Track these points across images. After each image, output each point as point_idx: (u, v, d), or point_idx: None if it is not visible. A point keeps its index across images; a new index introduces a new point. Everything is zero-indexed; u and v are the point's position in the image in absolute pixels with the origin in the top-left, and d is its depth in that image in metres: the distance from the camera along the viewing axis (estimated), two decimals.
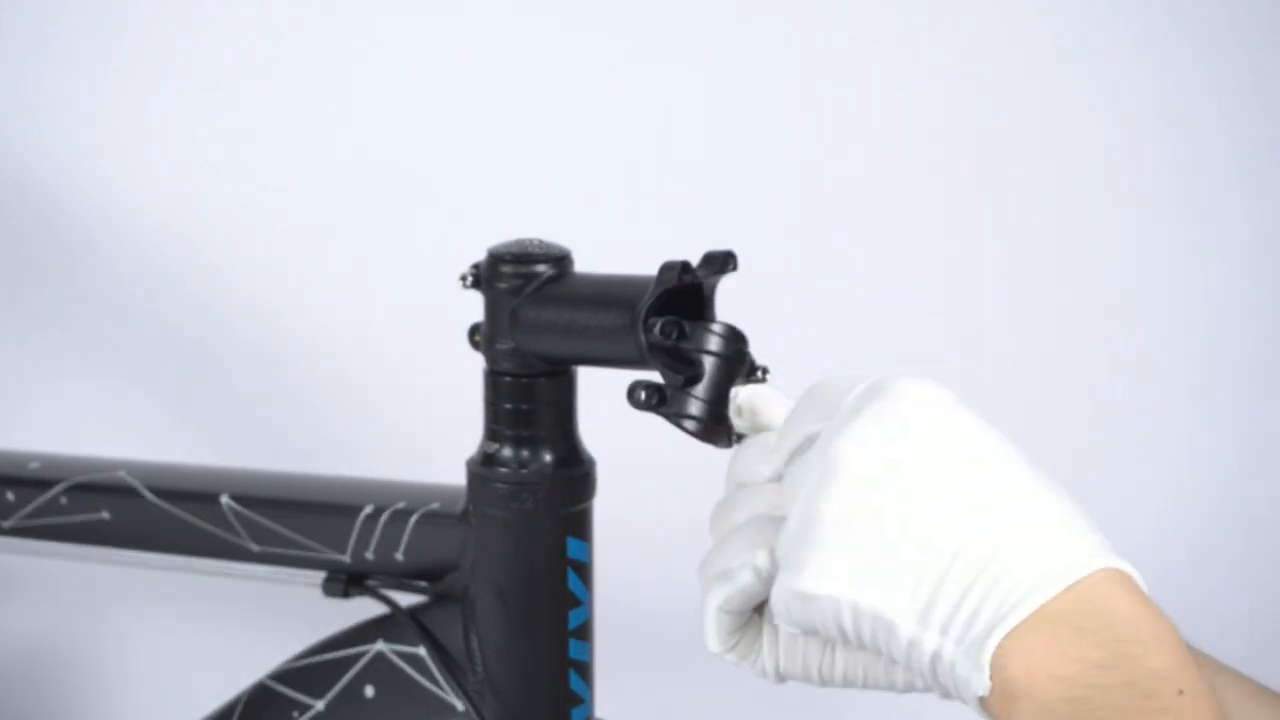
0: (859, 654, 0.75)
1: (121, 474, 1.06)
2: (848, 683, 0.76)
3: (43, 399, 1.50)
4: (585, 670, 0.94)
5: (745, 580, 0.73)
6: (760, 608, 0.76)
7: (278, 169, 1.45)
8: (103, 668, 1.55)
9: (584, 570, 0.93)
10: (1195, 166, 1.45)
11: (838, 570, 0.68)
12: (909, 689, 0.75)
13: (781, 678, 0.77)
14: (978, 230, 1.45)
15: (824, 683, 0.76)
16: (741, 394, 0.79)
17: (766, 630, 0.76)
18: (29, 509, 1.07)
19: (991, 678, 0.64)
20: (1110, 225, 1.45)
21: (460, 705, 0.96)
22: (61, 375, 1.49)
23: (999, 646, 0.64)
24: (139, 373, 1.49)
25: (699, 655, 1.55)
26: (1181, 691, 0.62)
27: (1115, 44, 1.43)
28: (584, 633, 0.94)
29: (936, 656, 0.66)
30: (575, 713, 0.94)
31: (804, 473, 0.72)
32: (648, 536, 1.38)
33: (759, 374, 0.82)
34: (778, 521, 0.73)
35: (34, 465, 1.09)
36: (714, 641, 0.75)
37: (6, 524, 1.08)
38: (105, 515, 1.05)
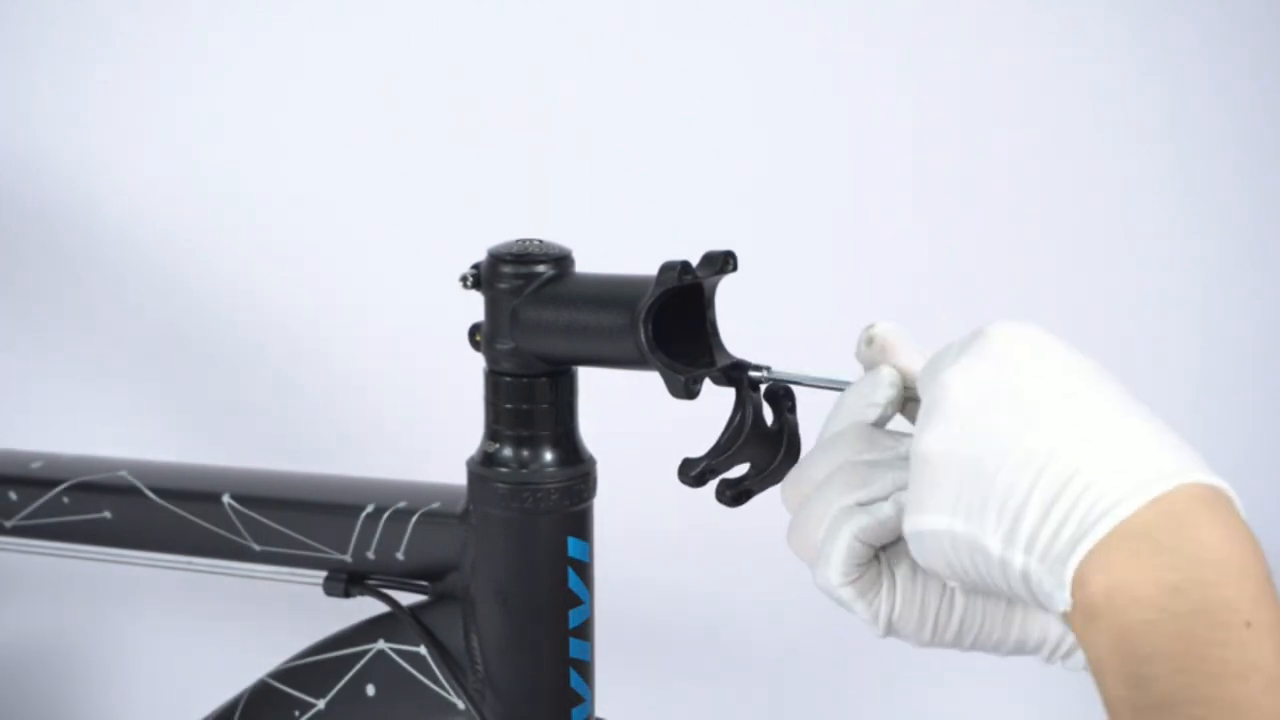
0: (977, 602, 0.75)
1: (123, 474, 1.06)
2: (959, 639, 0.76)
3: (44, 399, 1.50)
4: (585, 669, 0.94)
5: (886, 513, 0.74)
6: (881, 550, 0.76)
7: (278, 170, 1.45)
8: (104, 667, 1.55)
9: (584, 570, 0.93)
10: (1199, 170, 1.45)
11: (937, 504, 0.69)
12: (1018, 651, 0.75)
13: (892, 629, 0.76)
14: (979, 231, 1.45)
15: (934, 638, 0.76)
16: (879, 328, 0.79)
17: (886, 575, 0.76)
18: (31, 508, 1.07)
19: (1073, 595, 0.64)
20: (1112, 226, 1.46)
21: (461, 704, 0.96)
22: (63, 375, 1.50)
23: (1081, 562, 0.64)
24: (141, 373, 1.49)
25: (699, 655, 1.56)
26: (1249, 624, 0.62)
27: (1120, 46, 1.43)
28: (584, 632, 0.94)
29: (1025, 575, 0.66)
30: (575, 712, 0.94)
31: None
32: (648, 536, 1.38)
33: (763, 371, 0.83)
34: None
35: (36, 465, 1.09)
36: (838, 572, 0.74)
37: (9, 523, 1.08)
38: (107, 515, 1.06)
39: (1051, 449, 0.66)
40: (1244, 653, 0.61)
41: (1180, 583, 0.62)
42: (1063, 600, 0.65)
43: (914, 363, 0.77)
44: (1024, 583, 0.67)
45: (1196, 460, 0.66)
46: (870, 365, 0.79)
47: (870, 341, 0.78)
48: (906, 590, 0.75)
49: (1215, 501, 0.65)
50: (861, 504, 0.74)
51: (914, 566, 0.75)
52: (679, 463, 0.82)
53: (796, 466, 0.79)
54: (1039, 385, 0.68)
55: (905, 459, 0.74)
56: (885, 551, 0.76)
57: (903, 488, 0.74)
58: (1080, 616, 0.64)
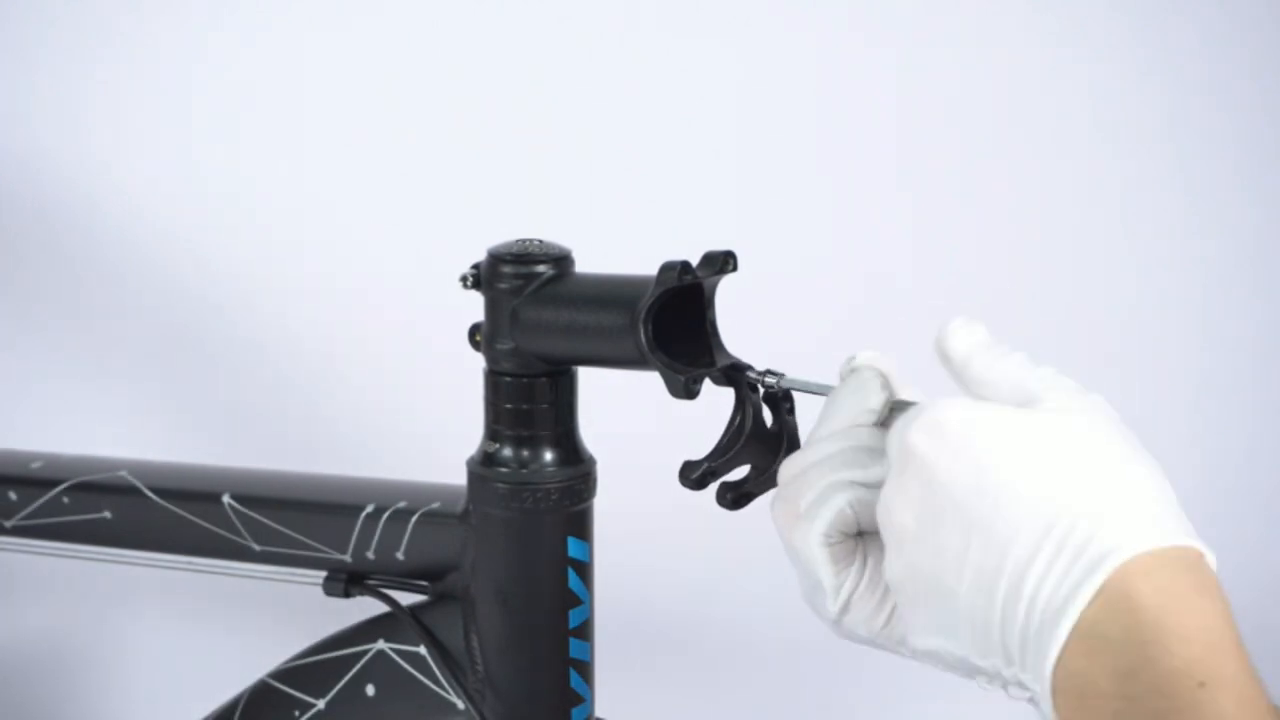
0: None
1: (123, 474, 1.06)
2: (902, 642, 0.77)
3: (44, 399, 1.50)
4: (585, 669, 0.94)
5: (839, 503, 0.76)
6: (860, 536, 0.77)
7: (278, 170, 1.45)
8: (104, 667, 1.55)
9: (584, 570, 0.93)
10: (1199, 170, 1.45)
11: (922, 627, 0.71)
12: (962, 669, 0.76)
13: (847, 609, 0.77)
14: (979, 231, 1.45)
15: (884, 628, 0.77)
16: (861, 358, 0.79)
17: (859, 557, 0.77)
18: (31, 508, 1.07)
19: (1054, 701, 0.66)
20: (1112, 226, 1.46)
21: (461, 704, 0.96)
22: (63, 375, 1.50)
23: (1053, 673, 0.65)
24: (140, 373, 1.49)
25: (699, 655, 1.56)
26: (1202, 684, 0.63)
27: (1120, 46, 1.43)
28: (584, 632, 0.94)
29: (1018, 682, 0.69)
30: (575, 712, 0.94)
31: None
32: (648, 536, 1.38)
33: (773, 378, 0.83)
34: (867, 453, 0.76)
35: (36, 465, 1.09)
36: (819, 531, 0.76)
37: (9, 523, 1.08)
38: (107, 515, 1.06)
39: (999, 559, 0.67)
40: (1198, 712, 0.62)
41: (1130, 666, 0.63)
42: (1048, 710, 0.66)
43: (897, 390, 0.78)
44: (1020, 688, 0.69)
45: (1135, 520, 0.66)
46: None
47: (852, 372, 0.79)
48: (874, 577, 0.76)
49: (1154, 568, 0.65)
50: (857, 483, 0.75)
51: (882, 560, 0.76)
52: (680, 466, 0.82)
53: (799, 450, 0.79)
54: (969, 498, 0.68)
55: None
56: (864, 539, 0.77)
57: None
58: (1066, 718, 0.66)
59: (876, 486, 0.75)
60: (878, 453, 0.75)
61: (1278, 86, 1.44)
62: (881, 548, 0.75)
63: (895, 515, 0.71)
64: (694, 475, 0.82)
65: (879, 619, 0.76)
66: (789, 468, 0.78)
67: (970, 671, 0.71)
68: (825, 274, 1.44)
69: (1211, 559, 0.66)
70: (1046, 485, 0.67)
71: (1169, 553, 0.65)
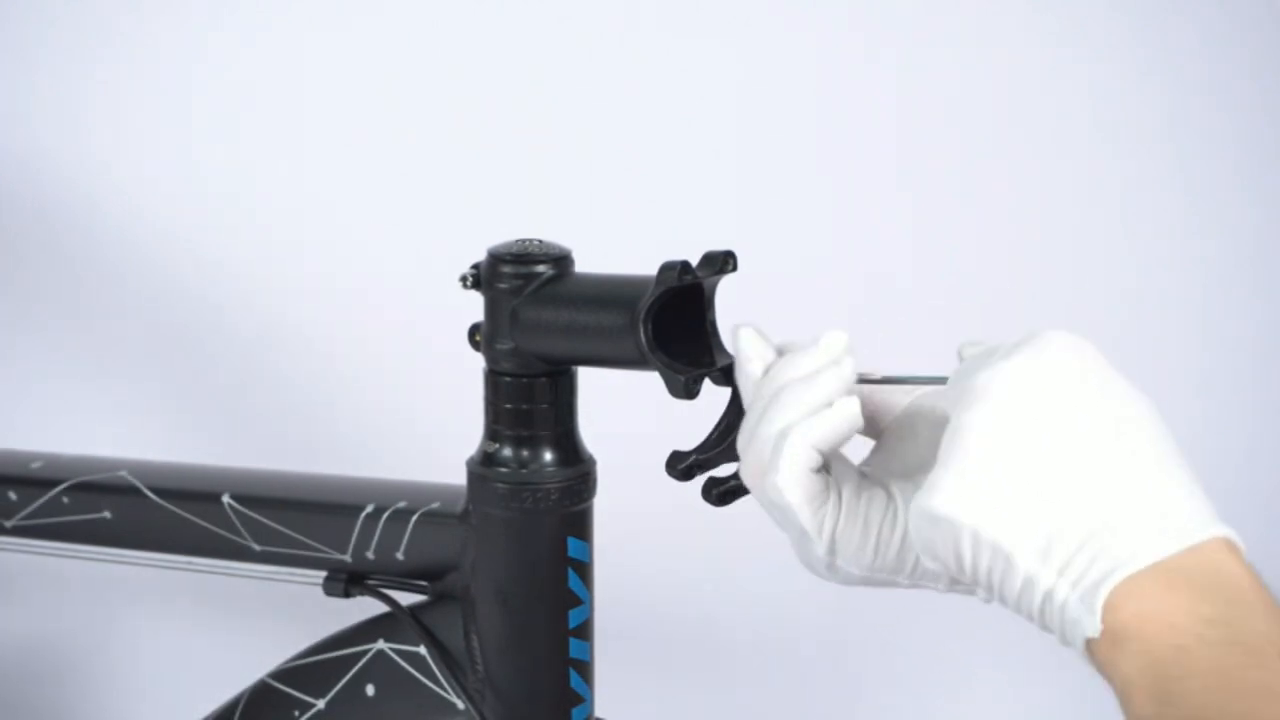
0: None
1: (123, 474, 1.06)
2: (900, 562, 0.76)
3: (44, 399, 1.50)
4: (585, 669, 0.94)
5: (832, 418, 0.76)
6: (826, 468, 0.78)
7: (278, 170, 1.45)
8: (104, 667, 1.55)
9: (584, 570, 0.93)
10: (1199, 170, 1.45)
11: (967, 496, 0.69)
12: (950, 590, 0.76)
13: (835, 547, 0.76)
14: (979, 231, 1.45)
15: (877, 557, 0.76)
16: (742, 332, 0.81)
17: (832, 489, 0.77)
18: (31, 508, 1.07)
19: (1102, 620, 0.66)
20: (1112, 226, 1.46)
21: (461, 704, 0.96)
22: (62, 375, 1.50)
23: (1113, 590, 0.66)
24: (140, 373, 1.49)
25: (698, 654, 1.56)
26: None
27: (1120, 46, 1.43)
28: (584, 632, 0.94)
29: (1049, 596, 0.67)
30: (575, 712, 0.94)
31: (946, 397, 0.74)
32: (648, 536, 1.38)
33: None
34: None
35: (36, 465, 1.09)
36: (786, 476, 0.76)
37: (9, 523, 1.08)
38: (107, 515, 1.06)
39: (1099, 479, 0.67)
40: (1278, 677, 0.63)
41: (1214, 616, 0.65)
42: (1092, 625, 0.66)
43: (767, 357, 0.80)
44: (1043, 603, 0.68)
45: (1217, 516, 0.69)
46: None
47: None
48: (851, 505, 0.76)
49: (1237, 553, 0.68)
50: (804, 417, 0.76)
51: (858, 487, 0.77)
52: (668, 455, 0.83)
53: (744, 417, 0.80)
54: (1094, 407, 0.69)
55: (839, 364, 0.77)
56: (831, 468, 0.77)
57: (847, 393, 0.76)
58: (1108, 641, 0.66)
59: (826, 406, 0.76)
60: (814, 377, 0.77)
61: (1278, 86, 1.44)
62: (854, 476, 0.77)
63: (1006, 384, 0.69)
64: (680, 466, 0.83)
65: (867, 550, 0.76)
66: (742, 436, 0.79)
67: (979, 565, 0.69)
68: (825, 274, 1.44)
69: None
70: (1166, 453, 0.70)
71: (1239, 545, 0.69)
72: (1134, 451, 0.69)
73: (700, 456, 0.83)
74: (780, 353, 0.81)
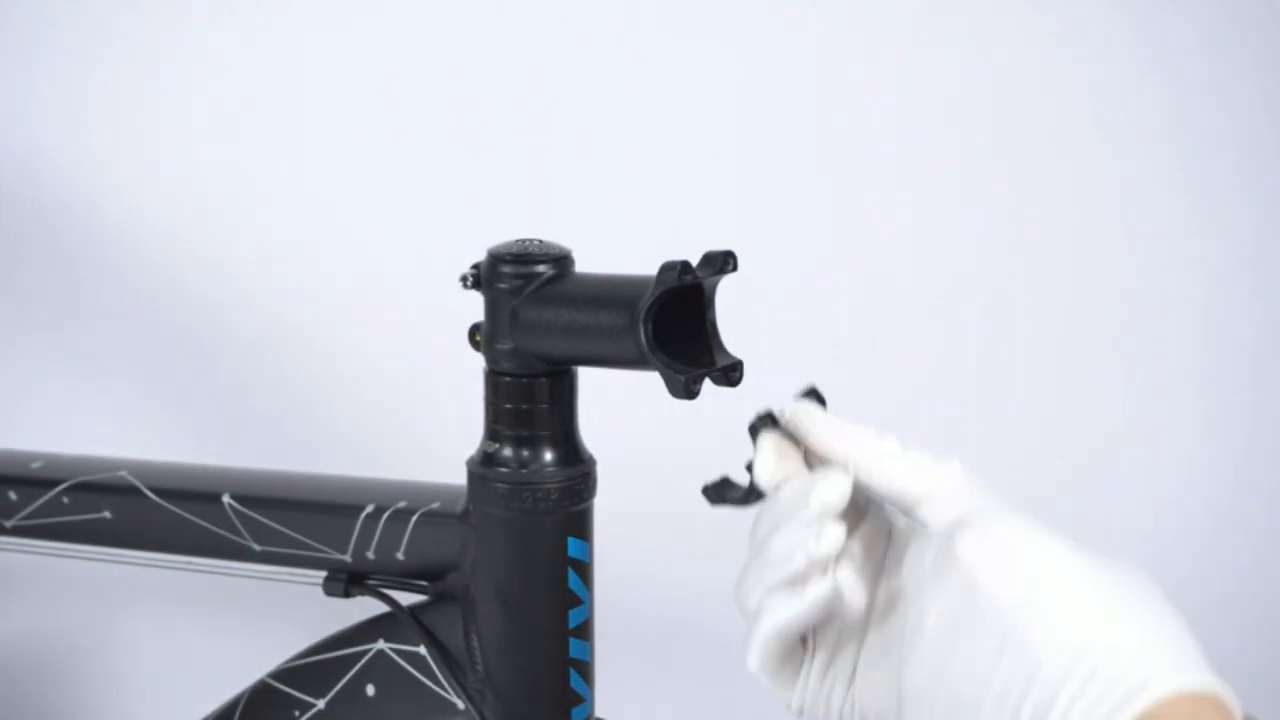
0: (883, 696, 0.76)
1: (123, 474, 1.06)
2: None
3: (44, 399, 1.50)
4: (585, 670, 0.94)
5: (814, 596, 0.74)
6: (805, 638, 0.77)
7: (278, 170, 1.45)
8: (104, 667, 1.55)
9: (584, 570, 0.93)
10: (1199, 170, 1.45)
11: None
12: None
13: (804, 712, 0.78)
14: (979, 231, 1.45)
15: None
16: (788, 411, 0.79)
17: (807, 661, 0.77)
18: (31, 508, 1.07)
19: None
20: (1112, 226, 1.46)
21: (461, 704, 0.96)
22: (62, 375, 1.50)
23: None
24: (140, 373, 1.49)
25: (699, 655, 1.55)
26: None
27: (1120, 46, 1.43)
28: (584, 632, 0.94)
29: None
30: (575, 712, 0.94)
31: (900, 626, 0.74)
32: (648, 536, 1.38)
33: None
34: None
35: (36, 465, 1.09)
36: (756, 660, 0.77)
37: (9, 523, 1.08)
38: (107, 515, 1.06)
39: (1028, 679, 0.66)
40: None
41: None
42: None
43: (828, 441, 0.77)
44: None
45: (1177, 654, 0.66)
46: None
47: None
48: (822, 669, 0.77)
49: (1193, 708, 0.65)
50: (791, 584, 0.75)
51: (828, 660, 0.77)
52: (717, 480, 0.81)
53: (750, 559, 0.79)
54: (1010, 609, 0.68)
55: (819, 537, 0.74)
56: (814, 632, 0.77)
57: (823, 570, 0.74)
58: None
59: (821, 575, 0.74)
60: (784, 554, 0.75)
61: (1278, 86, 1.44)
62: (834, 637, 0.76)
63: (927, 620, 0.70)
64: (722, 498, 0.82)
65: (835, 704, 0.77)
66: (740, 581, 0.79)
67: None
68: (825, 274, 1.44)
69: (1236, 706, 0.66)
70: (1087, 613, 0.67)
71: (1199, 695, 0.65)
72: (1064, 626, 0.67)
73: (743, 503, 0.82)
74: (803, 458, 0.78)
